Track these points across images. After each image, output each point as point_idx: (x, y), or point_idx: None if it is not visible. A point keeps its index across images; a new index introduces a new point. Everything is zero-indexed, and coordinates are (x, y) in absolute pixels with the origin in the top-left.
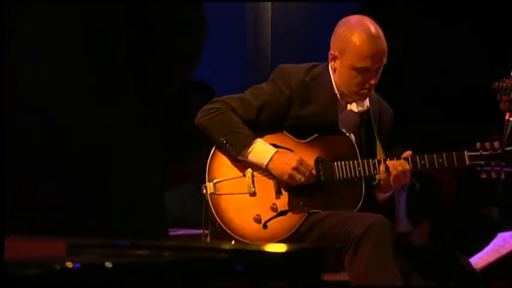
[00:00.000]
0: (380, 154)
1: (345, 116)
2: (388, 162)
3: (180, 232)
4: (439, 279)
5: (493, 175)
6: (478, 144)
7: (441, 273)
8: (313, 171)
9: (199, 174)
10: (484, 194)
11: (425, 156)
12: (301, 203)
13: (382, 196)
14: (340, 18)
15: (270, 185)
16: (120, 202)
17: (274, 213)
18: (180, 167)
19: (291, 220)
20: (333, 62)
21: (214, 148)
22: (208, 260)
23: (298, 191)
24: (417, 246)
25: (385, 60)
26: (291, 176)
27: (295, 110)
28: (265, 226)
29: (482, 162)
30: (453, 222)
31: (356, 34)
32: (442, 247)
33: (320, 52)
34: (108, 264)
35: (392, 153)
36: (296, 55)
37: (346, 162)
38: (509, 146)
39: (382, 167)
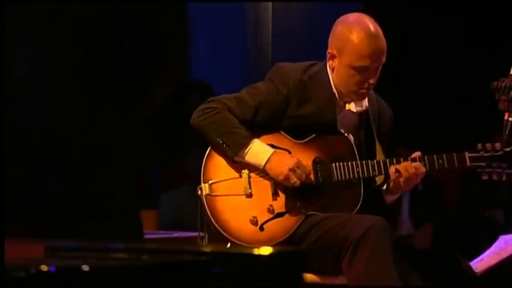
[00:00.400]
0: (379, 155)
1: (344, 116)
2: (400, 164)
3: (176, 235)
4: (439, 281)
5: (495, 177)
6: (479, 145)
7: (441, 276)
8: (311, 173)
9: (197, 176)
10: (488, 195)
11: (425, 157)
12: (298, 204)
13: (390, 198)
14: None
15: (266, 186)
16: (97, 205)
17: (271, 215)
18: (179, 168)
19: (288, 222)
20: (331, 61)
21: (209, 148)
22: (186, 263)
23: (296, 192)
24: (419, 248)
25: (384, 59)
26: (286, 178)
27: (292, 110)
28: (261, 228)
29: (484, 164)
30: (456, 225)
31: (355, 32)
32: (444, 250)
33: (321, 52)
34: (85, 268)
35: (394, 154)
36: (297, 55)
37: (345, 164)
38: (508, 147)
39: (392, 169)
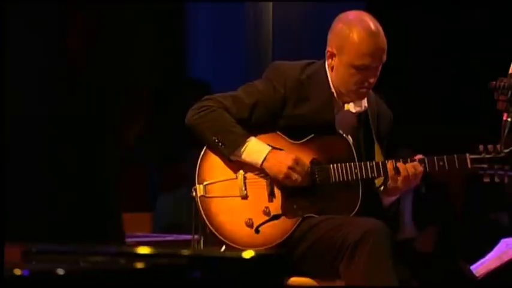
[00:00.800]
0: (378, 156)
1: (342, 117)
2: (398, 163)
3: (170, 238)
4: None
5: (496, 179)
6: (481, 147)
7: (443, 279)
8: (309, 173)
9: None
10: (493, 198)
11: (425, 158)
12: (295, 206)
13: (388, 200)
14: None
15: (262, 187)
16: (75, 208)
17: (267, 217)
18: (177, 169)
19: (284, 225)
20: (330, 60)
21: (205, 148)
22: (164, 267)
23: (292, 194)
24: (422, 252)
25: (384, 58)
26: (286, 176)
27: (289, 109)
28: (257, 231)
29: (485, 166)
30: (460, 228)
31: (355, 31)
32: (447, 253)
33: (321, 52)
34: (60, 271)
35: (397, 155)
36: (297, 55)
37: (343, 165)
38: (507, 148)
39: (390, 165)
